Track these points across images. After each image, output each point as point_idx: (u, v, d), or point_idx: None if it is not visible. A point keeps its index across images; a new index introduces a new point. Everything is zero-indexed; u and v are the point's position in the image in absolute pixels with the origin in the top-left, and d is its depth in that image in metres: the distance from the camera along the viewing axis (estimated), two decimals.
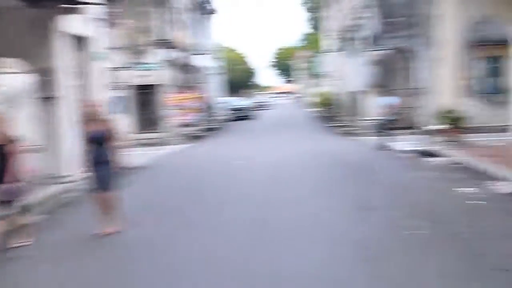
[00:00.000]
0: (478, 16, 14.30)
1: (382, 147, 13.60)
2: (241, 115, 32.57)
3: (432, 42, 12.48)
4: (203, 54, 26.64)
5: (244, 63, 62.29)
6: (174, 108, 20.47)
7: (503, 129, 18.31)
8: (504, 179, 7.95)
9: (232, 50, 56.30)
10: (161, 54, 20.40)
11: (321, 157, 12.66)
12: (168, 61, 20.58)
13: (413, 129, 18.45)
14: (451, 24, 12.05)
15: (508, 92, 18.93)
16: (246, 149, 16.09)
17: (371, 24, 18.86)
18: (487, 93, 19.16)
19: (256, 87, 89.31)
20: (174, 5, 22.11)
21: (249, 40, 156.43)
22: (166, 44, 20.50)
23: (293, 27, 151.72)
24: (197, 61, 25.66)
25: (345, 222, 6.23)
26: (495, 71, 19.19)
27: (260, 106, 48.03)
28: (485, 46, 18.63)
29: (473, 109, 15.37)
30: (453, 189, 7.76)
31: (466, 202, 6.86)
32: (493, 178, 8.26)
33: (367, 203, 7.14)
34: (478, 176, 8.67)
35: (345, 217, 6.49)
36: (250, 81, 77.92)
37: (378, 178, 9.34)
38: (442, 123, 12.16)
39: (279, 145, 16.55)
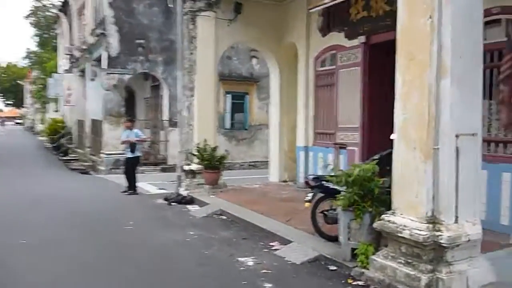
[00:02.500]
0: (236, 43, 13.40)
1: (129, 190, 10.88)
2: None
3: (185, 70, 10.64)
4: None
5: None
6: None
7: (250, 166, 18.23)
8: (283, 240, 6.28)
9: None
10: None
11: (44, 208, 9.00)
12: None
13: (165, 167, 16.45)
14: (206, 53, 10.47)
15: (252, 128, 19.13)
16: None
17: (112, 43, 16.15)
18: (233, 129, 18.83)
19: None
20: None
21: None
22: None
23: (17, 42, 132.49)
24: None
25: None
26: (240, 107, 19.07)
27: None
28: (232, 81, 18.33)
29: (223, 146, 14.37)
30: (229, 258, 5.64)
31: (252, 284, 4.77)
32: (270, 237, 6.56)
33: None
34: (253, 233, 6.86)
35: None
36: None
37: (125, 244, 6.49)
38: (198, 162, 10.28)
39: None
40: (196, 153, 10.27)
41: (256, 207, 8.35)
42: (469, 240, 4.30)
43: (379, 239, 5.03)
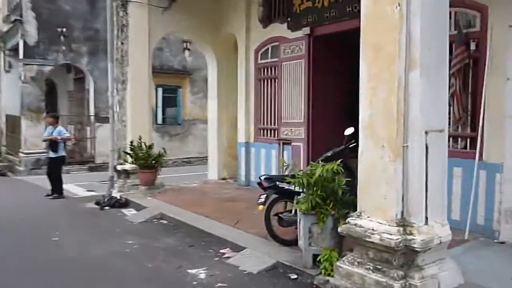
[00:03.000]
0: (170, 33, 12.68)
1: (54, 194, 9.81)
2: None
3: (116, 61, 9.77)
4: None
5: None
6: None
7: (184, 162, 17.48)
8: (235, 246, 5.79)
9: None
10: None
11: None
12: None
13: (93, 166, 15.29)
14: (139, 43, 9.69)
15: (185, 123, 18.34)
16: None
17: (29, 31, 14.65)
18: (165, 124, 17.99)
19: None
20: None
21: None
22: None
23: None
24: None
25: None
26: (172, 101, 18.24)
27: None
28: (163, 74, 17.41)
29: (156, 142, 13.60)
30: (178, 271, 5.06)
31: None
32: (219, 243, 6.04)
33: None
34: (199, 239, 6.31)
35: None
36: None
37: (53, 260, 5.66)
38: (132, 161, 9.49)
39: None
40: (130, 152, 9.48)
41: (199, 209, 7.79)
42: (440, 243, 4.07)
43: (342, 243, 4.72)
